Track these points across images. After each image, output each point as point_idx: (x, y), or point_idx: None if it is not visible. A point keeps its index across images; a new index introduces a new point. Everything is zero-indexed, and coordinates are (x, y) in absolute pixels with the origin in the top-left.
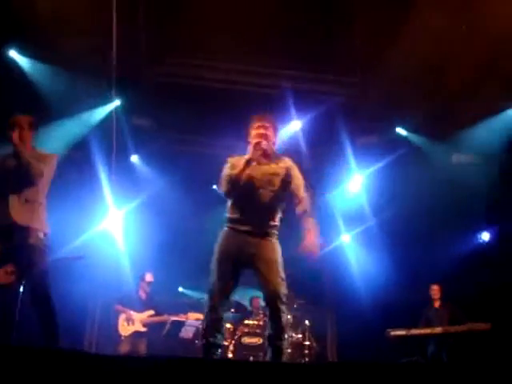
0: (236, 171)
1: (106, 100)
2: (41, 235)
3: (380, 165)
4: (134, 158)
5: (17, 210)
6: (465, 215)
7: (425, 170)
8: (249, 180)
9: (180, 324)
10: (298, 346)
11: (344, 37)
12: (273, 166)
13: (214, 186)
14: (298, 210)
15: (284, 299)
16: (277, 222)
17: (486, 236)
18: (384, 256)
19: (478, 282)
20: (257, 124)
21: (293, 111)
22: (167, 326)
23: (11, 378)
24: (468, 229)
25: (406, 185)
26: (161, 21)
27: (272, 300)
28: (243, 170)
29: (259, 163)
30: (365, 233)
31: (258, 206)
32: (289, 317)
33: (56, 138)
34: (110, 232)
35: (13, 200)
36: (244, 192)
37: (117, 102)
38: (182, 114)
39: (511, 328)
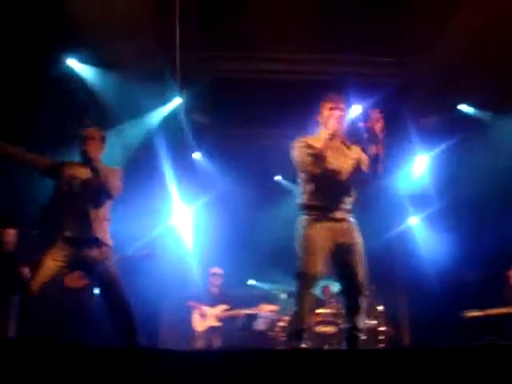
0: (320, 146)
1: (167, 100)
2: (110, 251)
3: (444, 145)
4: (197, 155)
5: (97, 225)
6: None
7: (491, 147)
8: (332, 164)
9: (253, 317)
10: (372, 332)
11: (397, 16)
12: (350, 151)
13: (278, 177)
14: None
15: (366, 292)
16: (353, 209)
17: None
18: (455, 237)
19: None
20: (332, 104)
21: (351, 97)
22: (241, 320)
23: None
24: None
25: (472, 164)
26: (216, 16)
27: (358, 293)
28: (328, 143)
29: (337, 146)
30: (432, 215)
31: (341, 191)
32: None
33: (119, 144)
34: (179, 229)
35: (93, 214)
36: (326, 176)
37: (179, 100)
38: (240, 107)
39: None
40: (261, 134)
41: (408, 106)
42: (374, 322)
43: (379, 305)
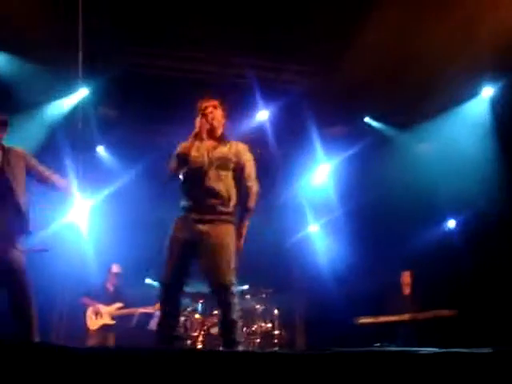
0: (183, 147)
1: (73, 90)
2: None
3: (347, 154)
4: (100, 149)
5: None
6: (431, 204)
7: (392, 159)
8: (198, 162)
9: (148, 316)
10: (267, 335)
11: (309, 25)
12: (223, 148)
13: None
14: (245, 204)
15: (233, 290)
16: (230, 209)
17: (451, 224)
18: (352, 245)
19: (445, 269)
20: (204, 104)
21: (259, 101)
22: (135, 319)
23: None
24: (434, 217)
25: (373, 174)
26: (127, 11)
27: (218, 291)
28: (191, 144)
29: (210, 144)
30: (333, 222)
31: (209, 191)
32: (257, 306)
33: (22, 132)
34: (77, 224)
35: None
36: (193, 175)
37: (85, 92)
38: (147, 103)
39: (476, 314)
40: (168, 132)
41: (314, 115)
42: (269, 325)
43: (275, 308)
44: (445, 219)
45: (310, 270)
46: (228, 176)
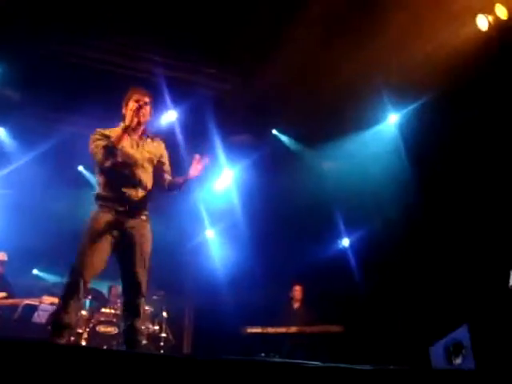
0: (113, 139)
1: None
2: None
3: (251, 163)
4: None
5: None
6: (329, 220)
7: (296, 173)
8: (127, 155)
9: (33, 308)
10: (153, 337)
11: (231, 32)
12: (149, 144)
13: (80, 168)
14: (167, 181)
15: (145, 293)
16: (148, 199)
17: (346, 242)
18: (248, 253)
19: (336, 285)
20: (137, 97)
21: (168, 101)
22: (19, 310)
23: None
24: (330, 234)
25: (276, 186)
26: None
27: (134, 293)
28: (121, 136)
29: (136, 138)
30: (231, 229)
31: (136, 185)
32: (147, 308)
33: None
34: None
35: None
36: (121, 167)
37: None
38: (52, 90)
39: (363, 331)
40: (72, 121)
41: (223, 121)
42: (157, 327)
43: (165, 311)
44: (340, 237)
45: (204, 276)
46: (151, 171)
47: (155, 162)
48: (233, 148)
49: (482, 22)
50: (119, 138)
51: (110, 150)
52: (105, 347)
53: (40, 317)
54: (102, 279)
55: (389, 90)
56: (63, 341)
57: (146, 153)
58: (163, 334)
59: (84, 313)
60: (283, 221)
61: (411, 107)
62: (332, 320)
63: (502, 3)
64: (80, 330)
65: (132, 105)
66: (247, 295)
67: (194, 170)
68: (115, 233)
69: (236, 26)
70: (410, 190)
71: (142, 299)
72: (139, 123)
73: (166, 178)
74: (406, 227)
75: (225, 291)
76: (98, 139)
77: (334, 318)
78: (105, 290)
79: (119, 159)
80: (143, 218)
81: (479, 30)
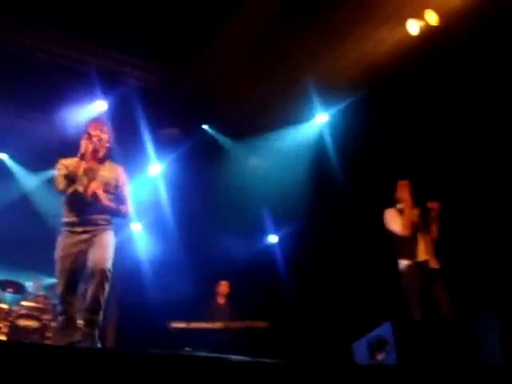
0: (71, 167)
1: None
2: None
3: (180, 157)
4: None
5: None
6: (256, 216)
7: (224, 168)
8: (84, 182)
9: None
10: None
11: (166, 23)
12: (107, 170)
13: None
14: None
15: (109, 275)
16: (109, 218)
17: (273, 239)
18: (174, 248)
19: (262, 281)
20: (93, 126)
21: (98, 90)
22: None
23: None
24: (257, 230)
25: (204, 180)
26: None
27: (98, 272)
28: (79, 164)
29: (93, 165)
30: (157, 223)
31: (93, 208)
32: None
33: None
34: None
35: None
36: (79, 194)
37: None
38: None
39: (288, 327)
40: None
41: (153, 113)
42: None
43: None
44: (267, 233)
45: (129, 269)
46: (107, 195)
47: (113, 187)
48: (161, 141)
49: (413, 27)
50: (75, 166)
51: (69, 178)
52: (26, 341)
53: None
54: (26, 272)
55: (318, 89)
56: None
57: (104, 178)
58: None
59: (4, 306)
60: (211, 215)
61: (339, 107)
62: (257, 316)
63: (433, 9)
64: None
65: (86, 135)
66: (173, 290)
67: None
68: (78, 251)
69: (171, 19)
70: (335, 188)
71: (106, 282)
72: (94, 151)
73: (119, 211)
74: (330, 225)
75: (150, 284)
76: (60, 169)
77: (260, 314)
78: (28, 283)
79: (78, 186)
80: (100, 229)
81: (409, 34)
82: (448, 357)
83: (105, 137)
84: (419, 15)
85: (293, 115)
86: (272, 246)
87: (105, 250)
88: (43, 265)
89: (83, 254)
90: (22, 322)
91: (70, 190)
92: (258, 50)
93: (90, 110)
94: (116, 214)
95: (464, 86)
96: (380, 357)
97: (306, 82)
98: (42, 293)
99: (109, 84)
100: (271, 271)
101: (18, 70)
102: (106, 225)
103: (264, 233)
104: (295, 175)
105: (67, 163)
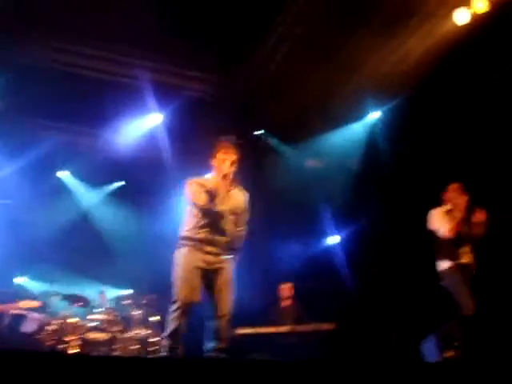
0: (211, 186)
1: None
2: None
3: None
4: None
5: None
6: (315, 218)
7: (281, 172)
8: (219, 206)
9: (22, 317)
10: (145, 342)
11: (210, 36)
12: (237, 194)
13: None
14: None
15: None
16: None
17: (334, 239)
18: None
19: (325, 283)
20: (225, 149)
21: (152, 104)
22: (7, 319)
23: None
24: (317, 231)
25: (264, 188)
26: None
27: (223, 320)
28: (218, 185)
29: (226, 190)
30: None
31: (224, 231)
32: (137, 312)
33: None
34: None
35: None
36: (214, 216)
37: None
38: (36, 96)
39: (354, 327)
40: (59, 128)
41: (208, 123)
42: (149, 331)
43: (156, 315)
44: (327, 234)
45: None
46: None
47: (241, 210)
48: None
49: (461, 16)
50: (218, 186)
51: (211, 195)
52: (95, 353)
53: (27, 326)
54: (89, 285)
55: (369, 87)
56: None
57: (235, 203)
58: (155, 339)
59: (72, 320)
60: (272, 221)
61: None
62: (323, 318)
63: None
64: (71, 338)
65: (223, 158)
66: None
67: None
68: (207, 270)
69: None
70: (390, 186)
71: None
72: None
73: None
74: (389, 222)
75: None
76: (195, 187)
77: (326, 316)
78: (94, 296)
79: (215, 206)
80: (228, 258)
81: (456, 25)
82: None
83: (236, 160)
84: (466, 4)
85: (345, 115)
86: (334, 246)
87: (231, 292)
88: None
89: (210, 276)
90: (92, 335)
91: (207, 207)
92: (307, 52)
93: (146, 123)
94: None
95: None
96: (449, 354)
97: (357, 81)
98: (108, 305)
99: (161, 97)
100: (335, 272)
101: (73, 89)
102: (232, 252)
103: (325, 234)
104: (350, 173)
105: (201, 182)
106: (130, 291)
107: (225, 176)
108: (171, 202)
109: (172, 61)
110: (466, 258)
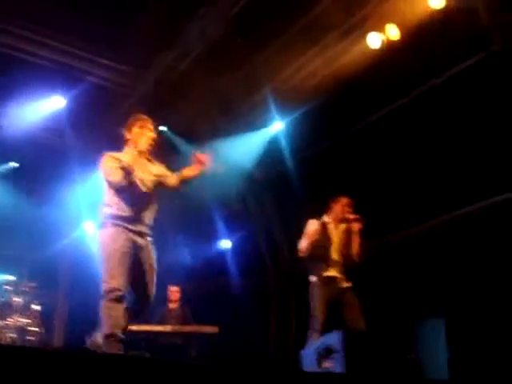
0: (127, 161)
1: None
2: None
3: None
4: None
5: None
6: (209, 222)
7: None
8: (139, 178)
9: None
10: (22, 330)
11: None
12: (155, 166)
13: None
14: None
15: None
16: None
17: (226, 244)
18: None
19: (214, 287)
20: (141, 123)
21: (57, 86)
22: None
23: None
24: (210, 235)
25: None
26: None
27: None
28: (134, 160)
29: (144, 163)
30: None
31: (148, 207)
32: (17, 299)
33: None
34: None
35: None
36: (135, 190)
37: None
38: None
39: (237, 332)
40: None
41: (110, 114)
42: (28, 320)
43: (36, 304)
44: (221, 238)
45: (82, 269)
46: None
47: (158, 183)
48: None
49: (374, 40)
50: (134, 161)
51: (126, 171)
52: None
53: None
54: None
55: (276, 96)
56: None
57: (154, 175)
58: (33, 328)
59: None
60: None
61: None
62: (208, 321)
63: (394, 23)
64: None
65: (139, 131)
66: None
67: (193, 169)
68: (134, 253)
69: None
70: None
71: None
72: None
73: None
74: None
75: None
76: (111, 162)
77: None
78: None
79: (133, 180)
80: (151, 239)
81: (369, 48)
82: (393, 366)
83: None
84: (380, 29)
85: (251, 121)
86: (225, 251)
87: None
88: None
89: (137, 259)
90: None
91: (125, 183)
92: (218, 58)
93: (47, 106)
94: None
95: (421, 99)
96: (327, 365)
97: (264, 92)
98: None
99: (67, 80)
100: (224, 276)
101: None
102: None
103: (217, 238)
104: (250, 179)
105: (118, 156)
106: (12, 277)
107: (141, 152)
108: (67, 189)
109: (87, 46)
110: (332, 272)
